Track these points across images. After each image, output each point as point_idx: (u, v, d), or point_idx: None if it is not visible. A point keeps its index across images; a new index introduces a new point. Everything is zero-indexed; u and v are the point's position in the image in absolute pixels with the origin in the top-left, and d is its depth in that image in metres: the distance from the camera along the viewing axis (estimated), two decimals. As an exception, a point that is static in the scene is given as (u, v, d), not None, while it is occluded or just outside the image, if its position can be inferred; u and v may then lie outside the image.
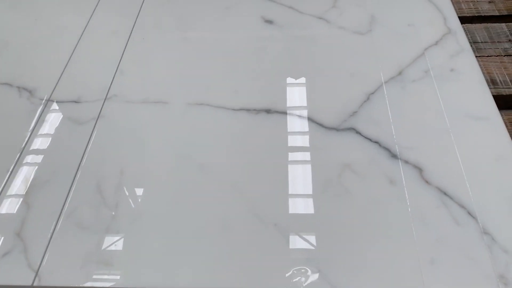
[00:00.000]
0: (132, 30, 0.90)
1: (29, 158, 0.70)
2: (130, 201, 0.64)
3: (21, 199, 0.65)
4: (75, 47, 0.87)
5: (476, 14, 0.86)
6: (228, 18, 0.90)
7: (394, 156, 0.65)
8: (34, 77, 0.82)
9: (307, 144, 0.68)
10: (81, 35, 0.90)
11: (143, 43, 0.87)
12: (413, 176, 0.62)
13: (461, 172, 0.62)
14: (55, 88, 0.80)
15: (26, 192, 0.66)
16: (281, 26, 0.87)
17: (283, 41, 0.84)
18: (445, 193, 0.60)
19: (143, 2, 0.96)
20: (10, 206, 0.64)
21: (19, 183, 0.67)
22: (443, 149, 0.65)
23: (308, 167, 0.65)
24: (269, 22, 0.88)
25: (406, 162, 0.64)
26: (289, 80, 0.77)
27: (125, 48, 0.86)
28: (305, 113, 0.72)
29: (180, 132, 0.72)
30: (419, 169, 0.63)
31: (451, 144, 0.65)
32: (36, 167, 0.69)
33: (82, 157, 0.69)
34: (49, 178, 0.67)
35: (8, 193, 0.66)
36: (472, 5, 0.88)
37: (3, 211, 0.64)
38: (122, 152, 0.70)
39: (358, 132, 0.68)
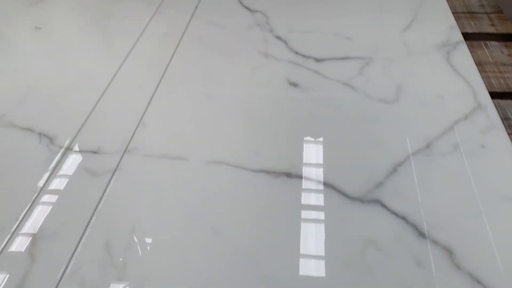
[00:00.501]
0: (158, 84, 0.90)
1: (39, 208, 0.68)
2: (138, 262, 0.60)
3: (27, 250, 0.62)
4: (101, 96, 0.88)
5: (507, 90, 0.85)
6: (253, 79, 0.91)
7: (421, 235, 0.61)
8: (57, 124, 0.82)
9: (328, 214, 0.64)
10: (108, 85, 0.91)
11: (168, 97, 0.87)
12: (443, 259, 0.58)
13: (495, 258, 0.57)
14: (76, 136, 0.80)
15: (32, 243, 0.63)
16: (306, 90, 0.87)
17: (307, 105, 0.83)
18: (477, 281, 0.55)
19: (172, 56, 0.98)
20: (15, 256, 0.62)
21: (27, 233, 0.64)
22: (475, 232, 0.60)
23: (329, 240, 0.61)
24: (294, 85, 0.88)
25: (435, 242, 0.60)
26: (312, 144, 0.75)
27: (150, 101, 0.86)
28: (327, 179, 0.70)
29: (197, 191, 0.69)
30: (449, 252, 0.58)
31: (484, 227, 0.61)
32: (46, 217, 0.66)
33: (94, 211, 0.67)
34: (58, 230, 0.65)
35: (15, 243, 0.63)
36: (502, 81, 0.86)
37: (8, 261, 0.61)
38: (136, 208, 0.67)
39: (383, 205, 0.65)
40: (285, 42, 1.00)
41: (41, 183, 0.71)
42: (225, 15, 1.12)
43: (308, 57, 0.95)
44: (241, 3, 1.16)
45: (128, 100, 0.88)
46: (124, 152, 0.76)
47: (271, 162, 0.73)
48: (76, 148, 0.78)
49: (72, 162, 0.75)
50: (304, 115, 0.81)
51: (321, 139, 0.76)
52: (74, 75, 0.95)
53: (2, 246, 0.63)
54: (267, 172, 0.71)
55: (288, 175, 0.71)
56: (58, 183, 0.72)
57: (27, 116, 0.85)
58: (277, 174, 0.71)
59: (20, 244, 0.63)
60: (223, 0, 1.18)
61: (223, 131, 0.79)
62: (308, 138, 0.77)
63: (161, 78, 0.92)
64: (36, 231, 0.64)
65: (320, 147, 0.75)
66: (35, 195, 0.70)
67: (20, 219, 0.66)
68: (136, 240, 0.63)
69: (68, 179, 0.72)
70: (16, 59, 1.01)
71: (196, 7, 1.15)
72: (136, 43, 1.03)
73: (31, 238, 0.64)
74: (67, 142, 0.79)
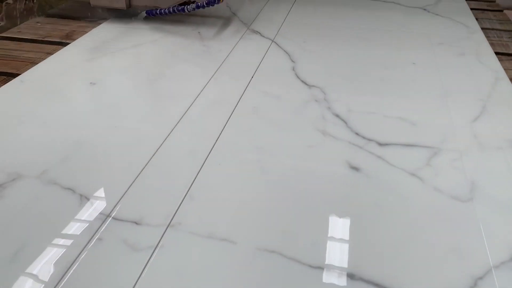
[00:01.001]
0: (209, 153, 0.86)
1: (72, 281, 0.61)
2: None
3: (50, 335, 0.54)
4: (149, 161, 0.83)
5: None
6: (310, 157, 0.85)
7: None
8: (100, 186, 0.78)
9: (399, 333, 0.55)
10: (157, 149, 0.86)
11: (219, 168, 0.82)
12: None
13: None
14: (118, 202, 0.74)
15: (57, 326, 0.55)
16: (368, 176, 0.80)
17: (372, 193, 0.76)
18: None
19: (225, 125, 0.94)
20: None
21: (53, 313, 0.57)
22: None
23: None
24: (355, 169, 0.81)
25: None
26: (379, 242, 0.67)
27: (199, 171, 0.81)
28: (396, 285, 0.60)
29: (243, 282, 0.61)
30: None
31: None
32: (77, 295, 0.59)
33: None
34: (87, 313, 0.57)
35: (37, 324, 0.56)
36: None
37: None
38: (176, 296, 0.59)
39: (467, 331, 0.54)
40: (345, 121, 0.95)
41: (76, 252, 0.65)
42: (281, 87, 1.09)
43: (370, 139, 0.89)
44: (298, 77, 1.13)
45: (176, 167, 0.83)
46: (167, 226, 0.70)
47: (331, 258, 0.64)
48: (118, 215, 0.72)
49: (112, 231, 0.69)
50: (369, 204, 0.74)
51: (389, 236, 0.68)
52: (123, 135, 0.92)
53: (23, 326, 0.55)
54: (327, 270, 0.63)
55: (352, 276, 0.62)
56: (94, 255, 0.65)
57: (70, 174, 0.80)
58: (338, 273, 0.62)
59: (43, 326, 0.56)
60: (279, 72, 1.16)
61: (276, 213, 0.72)
62: (373, 233, 0.68)
63: (213, 147, 0.87)
64: (63, 311, 0.57)
65: (387, 246, 0.66)
66: (70, 264, 0.63)
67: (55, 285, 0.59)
68: (173, 337, 0.54)
69: (105, 251, 0.66)
70: (68, 112, 0.99)
71: (252, 77, 1.13)
72: (189, 108, 1.00)
73: (56, 319, 0.56)
74: (108, 208, 0.73)
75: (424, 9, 1.56)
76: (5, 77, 1.16)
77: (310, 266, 0.63)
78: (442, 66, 1.17)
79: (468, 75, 1.12)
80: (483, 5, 1.60)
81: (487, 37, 1.33)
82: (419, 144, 0.87)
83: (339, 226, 0.70)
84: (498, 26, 1.40)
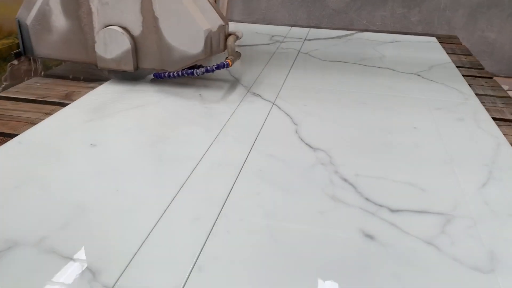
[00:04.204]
0: (216, 220, 0.82)
1: None
2: None
3: None
4: (153, 228, 0.79)
5: None
6: (322, 223, 0.82)
7: None
8: (102, 256, 0.73)
9: None
10: (161, 216, 0.83)
11: (227, 236, 0.78)
12: None
13: None
14: (122, 274, 0.69)
15: None
16: (384, 245, 0.77)
17: (389, 263, 0.73)
18: None
19: (231, 189, 0.91)
20: None
21: None
22: None
23: None
24: (370, 237, 0.78)
25: None
26: (402, 318, 0.63)
27: (206, 239, 0.77)
28: None
29: None
30: None
31: None
32: None
33: None
34: None
35: None
36: None
37: None
38: None
39: None
40: (354, 186, 0.93)
41: (76, 332, 0.59)
42: (285, 149, 1.08)
43: (381, 205, 0.87)
44: (302, 140, 1.13)
45: (182, 236, 0.79)
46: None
47: (354, 336, 0.60)
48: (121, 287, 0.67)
49: (115, 307, 0.64)
50: (387, 275, 0.70)
51: (410, 311, 0.64)
52: (125, 200, 0.88)
53: None
54: None
55: None
56: (96, 335, 0.59)
57: (70, 242, 0.76)
58: None
59: None
60: (282, 134, 1.16)
61: (292, 282, 0.68)
62: (395, 308, 0.65)
63: (219, 213, 0.84)
64: None
65: (411, 323, 0.62)
66: None
67: None
68: None
69: (108, 331, 0.60)
70: (67, 175, 0.96)
71: (256, 139, 1.12)
72: (193, 171, 0.98)
73: None
74: (111, 281, 0.68)
75: (418, 75, 1.61)
76: (2, 137, 1.13)
77: None
78: (443, 130, 1.18)
79: (470, 140, 1.14)
80: (474, 72, 1.66)
81: (482, 102, 1.36)
82: (431, 211, 0.86)
83: (359, 301, 0.66)
84: (491, 92, 1.45)
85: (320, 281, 0.69)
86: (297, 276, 0.70)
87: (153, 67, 1.40)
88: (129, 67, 1.38)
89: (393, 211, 0.85)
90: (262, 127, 1.19)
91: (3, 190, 0.90)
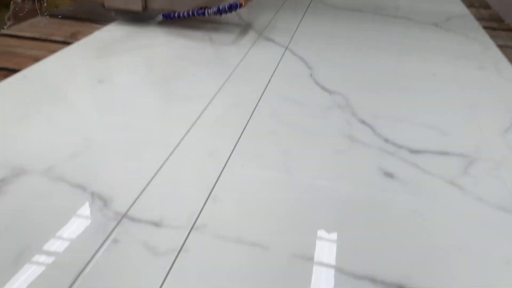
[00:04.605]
0: (230, 155, 0.79)
1: (85, 285, 0.53)
2: None
3: None
4: (165, 161, 0.77)
5: None
6: (339, 162, 0.79)
7: None
8: (113, 185, 0.70)
9: None
10: (174, 149, 0.80)
11: (242, 171, 0.76)
12: None
13: None
14: (134, 202, 0.67)
15: (70, 337, 0.48)
16: (404, 183, 0.74)
17: (410, 200, 0.70)
18: None
19: (245, 127, 0.88)
20: None
21: (65, 322, 0.49)
22: None
23: None
24: (389, 175, 0.76)
25: None
26: (425, 251, 0.61)
27: (221, 173, 0.75)
28: (447, 301, 0.54)
29: (281, 292, 0.54)
30: None
31: None
32: (92, 302, 0.52)
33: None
34: (105, 322, 0.49)
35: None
36: None
37: None
38: (207, 306, 0.52)
39: None
40: (372, 128, 0.89)
41: (88, 255, 0.57)
42: (300, 92, 1.04)
43: (400, 146, 0.84)
44: (317, 83, 1.09)
45: (195, 168, 0.76)
46: (191, 229, 0.63)
47: (375, 267, 0.58)
48: (134, 216, 0.64)
49: (129, 233, 0.61)
50: (407, 212, 0.68)
51: (432, 246, 0.62)
52: (135, 133, 0.85)
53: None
54: (373, 280, 0.56)
55: None
56: (109, 257, 0.57)
57: (79, 172, 0.73)
58: (386, 285, 0.56)
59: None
60: (296, 77, 1.12)
61: (309, 219, 0.66)
62: (417, 242, 0.62)
63: (233, 149, 0.81)
64: (76, 320, 0.49)
65: (435, 255, 0.60)
66: (82, 268, 0.55)
67: (58, 299, 0.52)
68: None
69: (122, 253, 0.58)
70: (75, 109, 0.93)
71: (269, 81, 1.08)
72: (205, 109, 0.94)
73: (69, 329, 0.48)
74: (123, 208, 0.66)
75: (436, 25, 1.55)
76: (6, 72, 1.09)
77: (353, 275, 0.57)
78: (464, 78, 1.14)
79: (491, 88, 1.09)
80: (494, 24, 1.60)
81: (503, 53, 1.31)
82: (453, 153, 0.82)
83: (382, 235, 0.63)
84: (512, 44, 1.39)
85: (339, 216, 0.67)
86: (312, 210, 0.68)
87: (162, 7, 1.34)
88: (137, 6, 1.32)
89: (413, 151, 0.82)
90: (275, 70, 1.15)
91: (9, 120, 0.86)
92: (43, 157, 0.76)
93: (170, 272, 0.56)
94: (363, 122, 0.92)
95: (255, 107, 0.96)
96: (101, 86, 1.02)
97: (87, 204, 0.67)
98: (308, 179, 0.74)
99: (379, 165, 0.78)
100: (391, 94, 1.05)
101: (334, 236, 0.63)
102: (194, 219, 0.65)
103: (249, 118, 0.91)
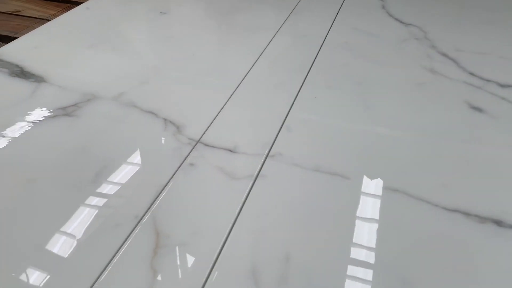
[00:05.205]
0: (301, 86, 0.75)
1: (164, 207, 0.53)
2: (300, 307, 0.43)
3: (148, 262, 0.46)
4: (234, 91, 0.74)
5: None
6: (421, 94, 0.73)
7: None
8: (184, 113, 0.69)
9: None
10: (242, 79, 0.77)
11: (315, 101, 0.72)
12: None
13: None
14: (207, 129, 0.65)
15: (154, 253, 0.47)
16: (494, 117, 0.68)
17: (502, 134, 0.64)
18: None
19: (315, 59, 0.83)
20: (132, 268, 0.46)
21: (148, 240, 0.49)
22: None
23: None
24: (478, 109, 0.69)
25: None
26: (523, 187, 0.56)
27: (292, 103, 0.71)
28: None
29: (366, 220, 0.51)
30: None
31: None
32: (173, 221, 0.51)
33: (234, 223, 0.51)
34: (187, 240, 0.49)
35: (133, 252, 0.48)
36: None
37: (124, 274, 0.45)
38: (290, 230, 0.50)
39: None
40: (455, 61, 0.82)
41: (166, 177, 0.57)
42: (371, 24, 0.96)
43: (488, 80, 0.76)
44: (390, 15, 1.00)
45: (265, 99, 0.73)
46: (266, 156, 0.60)
47: (468, 200, 0.54)
48: (208, 142, 0.63)
49: (204, 158, 0.60)
50: (501, 144, 0.62)
51: (531, 181, 0.57)
52: (202, 63, 0.82)
53: (116, 251, 0.48)
54: (466, 214, 0.52)
55: (498, 223, 0.51)
56: (187, 179, 0.56)
57: (149, 98, 0.72)
58: (481, 219, 0.51)
59: (139, 255, 0.47)
60: (367, 9, 1.03)
61: (391, 150, 0.62)
62: (513, 177, 0.57)
63: (304, 80, 0.77)
64: (158, 240, 0.49)
65: (534, 193, 0.55)
66: (160, 189, 0.55)
67: (139, 217, 0.51)
68: (293, 275, 0.45)
69: (199, 177, 0.57)
70: (139, 39, 0.91)
71: (338, 12, 1.01)
72: (271, 41, 0.89)
73: (153, 247, 0.48)
74: (197, 134, 0.64)
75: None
76: (69, 4, 1.07)
77: (445, 208, 0.53)
78: (558, 10, 1.01)
79: None
80: None
81: None
82: (550, 87, 0.74)
83: (474, 169, 0.58)
84: None
85: (423, 150, 0.62)
86: (397, 143, 0.63)
87: None
88: None
89: (503, 86, 0.75)
90: (343, 1, 1.07)
91: (77, 49, 0.86)
92: (112, 84, 0.75)
93: (250, 195, 0.54)
94: (444, 55, 0.84)
95: (325, 39, 0.90)
96: (164, 17, 0.99)
97: (160, 129, 0.65)
98: (389, 112, 0.69)
99: (465, 98, 0.72)
100: (475, 27, 0.95)
101: (418, 165, 0.59)
102: (269, 147, 0.62)
103: (319, 50, 0.86)
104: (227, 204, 0.53)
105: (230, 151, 0.61)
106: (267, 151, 0.61)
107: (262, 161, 0.60)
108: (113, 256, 0.47)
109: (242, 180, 0.56)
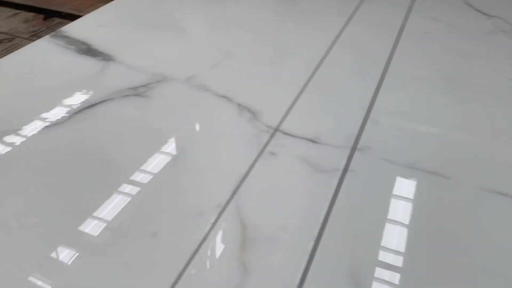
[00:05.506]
0: (384, 76, 0.69)
1: (247, 197, 0.49)
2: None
3: (236, 256, 0.42)
4: (309, 79, 0.69)
5: None
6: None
7: None
8: (258, 98, 0.64)
9: None
10: (317, 68, 0.72)
11: (399, 92, 0.66)
12: None
13: None
14: (285, 116, 0.61)
15: (242, 247, 0.43)
16: None
17: None
18: None
19: (394, 48, 0.77)
20: (219, 262, 0.42)
21: (235, 232, 0.45)
22: None
23: None
24: None
25: None
26: None
27: (375, 94, 0.65)
28: None
29: (466, 223, 0.46)
30: None
31: None
32: (258, 213, 0.47)
33: (325, 221, 0.46)
34: (276, 234, 0.45)
35: (218, 242, 0.44)
36: None
37: (211, 267, 0.42)
38: (387, 232, 0.45)
39: None
40: (553, 56, 0.74)
41: (246, 165, 0.53)
42: (450, 14, 0.90)
43: None
44: (469, 5, 0.93)
45: (345, 87, 0.68)
46: (353, 150, 0.55)
47: None
48: (288, 131, 0.58)
49: (285, 147, 0.56)
50: None
51: None
52: (272, 48, 0.78)
53: (200, 242, 0.44)
54: None
55: None
56: (269, 169, 0.52)
57: (221, 82, 0.68)
58: None
59: (226, 248, 0.44)
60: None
61: (493, 151, 0.56)
62: None
63: (385, 69, 0.71)
64: (245, 233, 0.45)
65: None
66: (240, 178, 0.51)
67: (222, 206, 0.47)
68: (395, 280, 0.40)
69: (282, 167, 0.53)
70: (205, 23, 0.87)
71: (414, 1, 0.94)
72: (344, 27, 0.84)
73: (240, 240, 0.44)
74: (274, 122, 0.60)
75: None
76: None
77: None
78: None
79: None
80: None
81: None
82: None
83: None
84: None
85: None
86: (493, 142, 0.57)
87: None
88: None
89: None
90: (418, -10, 1.00)
91: (143, 28, 0.83)
92: (182, 66, 0.72)
93: (339, 190, 0.49)
94: (538, 49, 0.76)
95: (403, 28, 0.84)
96: (230, 1, 0.95)
97: (234, 115, 0.61)
98: (485, 109, 0.63)
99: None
100: None
101: (529, 171, 0.52)
102: (354, 139, 0.57)
103: (397, 39, 0.80)
104: (314, 198, 0.49)
105: (312, 141, 0.57)
106: (352, 143, 0.56)
107: (348, 154, 0.55)
108: (198, 247, 0.43)
109: (328, 173, 0.52)
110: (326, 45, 0.78)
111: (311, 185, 0.50)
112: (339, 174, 0.52)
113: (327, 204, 0.48)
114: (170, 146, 0.56)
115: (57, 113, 0.61)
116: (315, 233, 0.45)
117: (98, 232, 0.45)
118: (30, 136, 0.57)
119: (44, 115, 0.61)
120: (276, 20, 0.88)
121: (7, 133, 0.58)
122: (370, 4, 0.94)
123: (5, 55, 0.75)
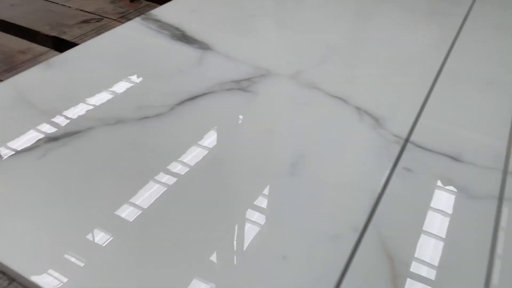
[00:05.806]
0: (521, 87, 0.60)
1: (386, 221, 0.41)
2: None
3: (388, 284, 0.35)
4: (434, 83, 0.60)
5: None
6: None
7: None
8: (378, 103, 0.56)
9: None
10: (438, 73, 0.63)
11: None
12: None
13: None
14: (414, 127, 0.52)
15: (392, 276, 0.35)
16: None
17: None
18: None
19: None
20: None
21: (380, 264, 0.37)
22: None
23: None
24: None
25: None
26: None
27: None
28: None
29: None
30: None
31: None
32: (403, 243, 0.39)
33: (491, 261, 0.37)
34: (430, 274, 0.36)
35: (362, 278, 0.36)
36: None
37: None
38: None
39: None
40: None
41: (378, 181, 0.45)
42: None
43: None
44: None
45: (478, 97, 0.58)
46: (506, 173, 0.46)
47: None
48: (421, 143, 0.50)
49: (422, 163, 0.47)
50: None
51: None
52: (382, 47, 0.70)
53: (341, 274, 0.36)
54: None
55: None
56: (407, 189, 0.44)
57: (332, 81, 0.60)
58: None
59: (371, 282, 0.36)
60: None
61: None
62: None
63: (521, 79, 0.61)
64: (393, 267, 0.37)
65: None
66: (376, 196, 0.43)
67: (359, 233, 0.40)
68: None
69: (423, 188, 0.44)
70: (305, 16, 0.80)
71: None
72: (461, 29, 0.74)
73: (388, 277, 0.36)
74: (403, 131, 0.51)
75: None
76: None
77: None
78: None
79: None
80: None
81: None
82: None
83: None
84: None
85: None
86: None
87: None
88: None
89: None
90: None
91: (238, 15, 0.77)
92: (286, 60, 0.65)
93: (499, 223, 0.41)
94: None
95: (531, 33, 0.73)
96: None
97: (354, 119, 0.54)
98: None
99: None
100: None
101: None
102: (503, 160, 0.48)
103: (527, 45, 0.70)
104: (473, 231, 0.40)
105: (454, 159, 0.48)
106: (502, 166, 0.47)
107: (500, 177, 0.46)
108: (339, 279, 0.35)
109: (482, 200, 0.43)
110: (445, 47, 0.70)
111: (464, 214, 0.42)
112: (494, 202, 0.43)
113: (489, 239, 0.39)
114: (286, 151, 0.49)
115: (156, 103, 0.55)
116: (483, 274, 0.36)
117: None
118: (130, 126, 0.51)
119: (143, 103, 0.55)
120: (382, 16, 0.79)
121: (107, 121, 0.52)
122: (483, 3, 0.84)
123: (94, 36, 0.70)
